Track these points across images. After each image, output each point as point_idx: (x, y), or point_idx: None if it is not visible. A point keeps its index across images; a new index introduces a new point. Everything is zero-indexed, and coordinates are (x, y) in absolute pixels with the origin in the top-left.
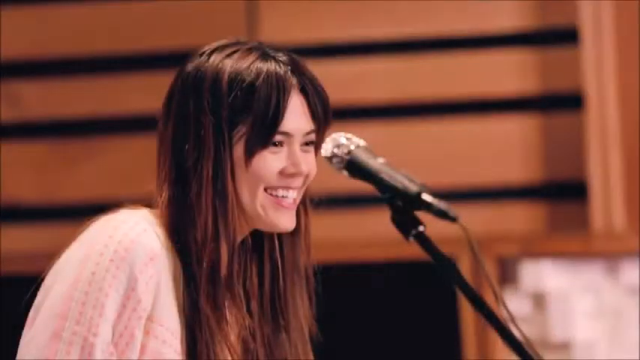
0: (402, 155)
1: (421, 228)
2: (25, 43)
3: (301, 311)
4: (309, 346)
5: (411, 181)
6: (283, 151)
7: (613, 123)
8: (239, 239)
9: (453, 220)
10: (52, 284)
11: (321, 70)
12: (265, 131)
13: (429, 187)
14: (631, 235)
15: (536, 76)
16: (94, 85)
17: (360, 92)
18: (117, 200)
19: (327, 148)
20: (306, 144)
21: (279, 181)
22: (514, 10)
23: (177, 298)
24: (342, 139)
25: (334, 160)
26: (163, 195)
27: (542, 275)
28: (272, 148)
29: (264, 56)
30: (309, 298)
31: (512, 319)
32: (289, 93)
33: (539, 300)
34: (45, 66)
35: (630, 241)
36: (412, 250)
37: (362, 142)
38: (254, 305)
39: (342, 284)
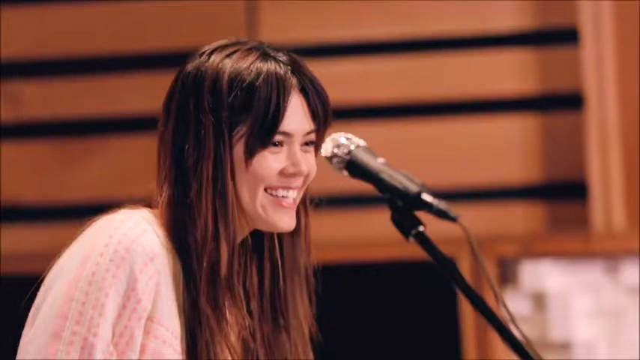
0: (402, 155)
1: (421, 228)
2: (25, 43)
3: (301, 311)
4: (309, 346)
5: (411, 181)
6: (283, 151)
7: (613, 123)
8: (239, 239)
9: (453, 220)
10: (52, 284)
11: (321, 70)
12: (265, 131)
13: (429, 187)
14: (631, 235)
15: (536, 76)
16: (93, 85)
17: (361, 92)
18: (117, 200)
19: (327, 148)
20: (306, 144)
21: (279, 181)
22: (514, 10)
23: (177, 298)
24: (342, 139)
25: (334, 160)
26: (163, 195)
27: (542, 275)
28: (272, 148)
29: (264, 56)
30: (309, 298)
31: (512, 319)
32: (289, 93)
33: (539, 300)
34: (45, 66)
35: (630, 241)
36: (413, 250)
37: (362, 142)
38: (254, 305)
39: (342, 284)
